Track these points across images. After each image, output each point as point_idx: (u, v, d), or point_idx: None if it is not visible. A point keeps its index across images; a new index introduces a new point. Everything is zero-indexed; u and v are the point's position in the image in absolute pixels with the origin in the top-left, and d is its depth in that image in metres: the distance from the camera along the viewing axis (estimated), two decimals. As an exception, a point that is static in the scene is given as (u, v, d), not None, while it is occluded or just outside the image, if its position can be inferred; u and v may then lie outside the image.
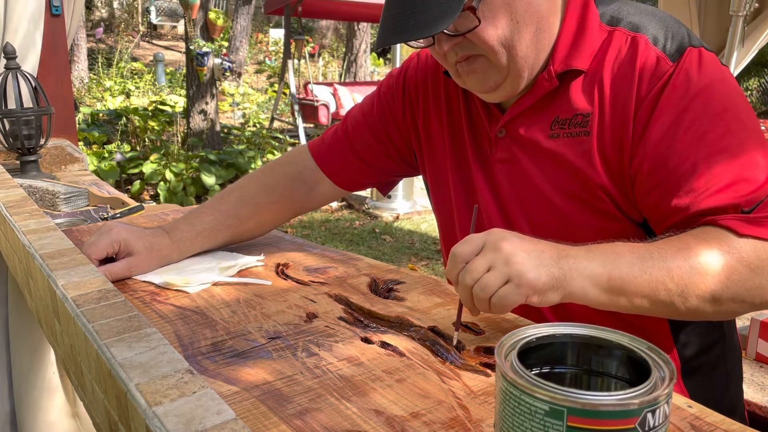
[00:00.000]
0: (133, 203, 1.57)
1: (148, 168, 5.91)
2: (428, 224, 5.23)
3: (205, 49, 6.83)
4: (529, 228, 0.92)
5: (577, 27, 0.87)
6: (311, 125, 8.67)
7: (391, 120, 1.10)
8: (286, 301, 0.90)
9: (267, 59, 13.91)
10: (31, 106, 1.80)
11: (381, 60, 14.18)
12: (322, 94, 8.91)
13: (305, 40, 10.08)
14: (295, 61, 8.98)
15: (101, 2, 15.35)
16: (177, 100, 8.53)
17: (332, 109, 8.64)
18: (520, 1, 0.82)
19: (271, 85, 12.37)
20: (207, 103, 7.15)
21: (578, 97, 0.87)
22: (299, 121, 8.20)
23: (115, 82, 11.02)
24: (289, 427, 0.58)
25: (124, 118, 7.44)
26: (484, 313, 0.77)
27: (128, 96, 10.13)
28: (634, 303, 0.75)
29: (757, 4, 2.75)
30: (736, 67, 2.75)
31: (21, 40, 1.86)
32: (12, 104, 1.78)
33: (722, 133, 0.79)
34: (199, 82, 7.04)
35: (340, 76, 12.37)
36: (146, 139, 7.24)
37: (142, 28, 15.59)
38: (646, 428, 0.40)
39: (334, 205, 5.85)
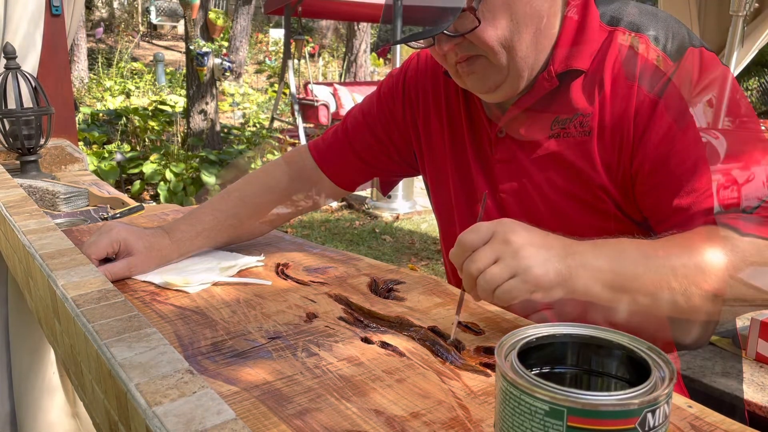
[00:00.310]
0: (133, 203, 1.57)
1: (148, 168, 5.91)
2: (428, 224, 5.23)
3: (205, 49, 6.82)
4: None
5: (578, 27, 0.87)
6: (311, 125, 8.66)
7: (391, 120, 1.10)
8: (286, 301, 0.90)
9: (267, 59, 13.90)
10: (31, 106, 1.80)
11: (381, 60, 14.17)
12: (322, 94, 8.90)
13: (305, 40, 10.07)
14: (295, 61, 8.98)
15: (101, 2, 15.35)
16: (177, 100, 8.52)
17: (332, 109, 8.63)
18: (520, 2, 0.82)
19: (271, 85, 12.36)
20: (207, 103, 7.15)
21: (578, 98, 0.87)
22: (299, 121, 8.19)
23: (115, 82, 11.01)
24: (289, 427, 0.58)
25: (124, 118, 7.43)
26: (483, 313, 0.77)
27: (128, 96, 10.13)
28: (637, 300, 0.75)
29: (757, 4, 2.75)
30: (736, 67, 2.75)
31: (21, 40, 1.86)
32: (12, 104, 1.78)
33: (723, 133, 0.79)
34: (199, 82, 7.03)
35: (340, 76, 12.36)
36: (146, 139, 7.24)
37: (142, 28, 15.59)
38: (646, 428, 0.40)
39: (334, 205, 5.85)
